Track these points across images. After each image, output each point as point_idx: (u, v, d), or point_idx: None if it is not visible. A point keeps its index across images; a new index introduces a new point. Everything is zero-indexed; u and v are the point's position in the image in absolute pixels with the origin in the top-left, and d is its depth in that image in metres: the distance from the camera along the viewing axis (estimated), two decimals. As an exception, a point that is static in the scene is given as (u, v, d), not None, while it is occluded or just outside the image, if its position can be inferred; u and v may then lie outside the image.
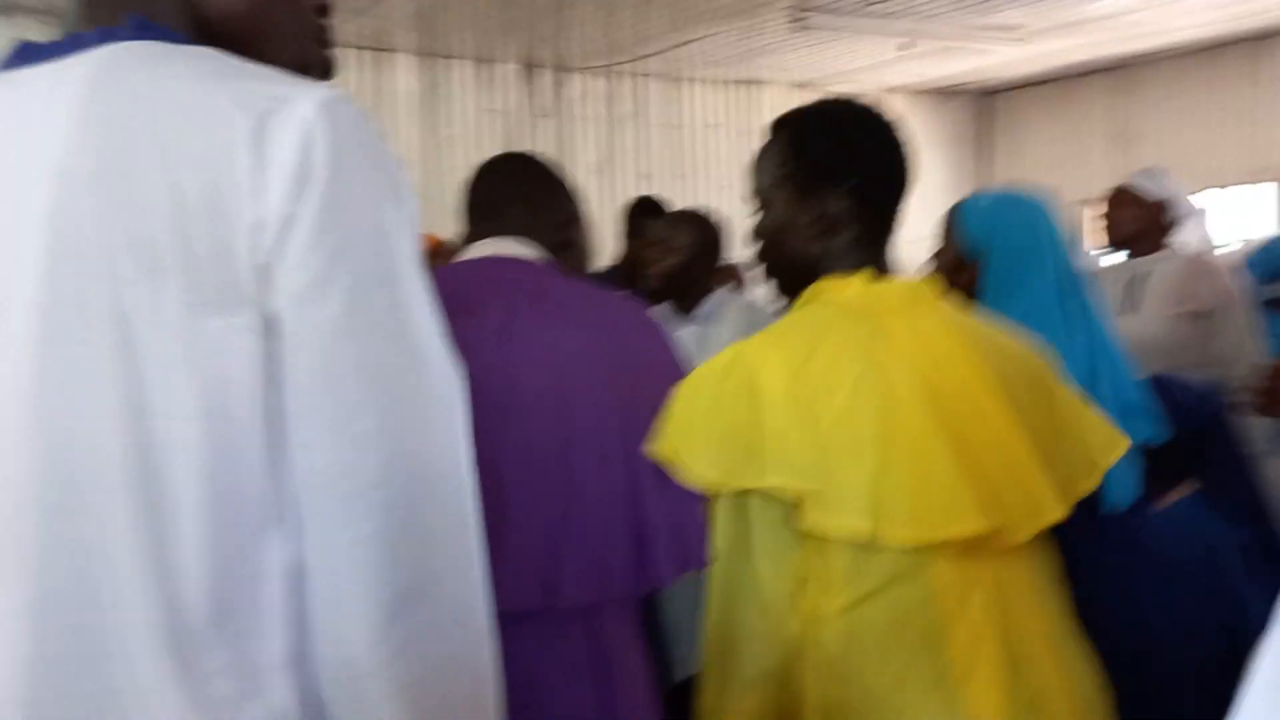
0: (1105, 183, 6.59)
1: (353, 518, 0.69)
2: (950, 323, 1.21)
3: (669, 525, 1.29)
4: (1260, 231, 5.42)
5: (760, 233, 1.30)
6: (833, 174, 1.22)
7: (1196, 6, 5.19)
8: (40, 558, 0.67)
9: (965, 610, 1.10)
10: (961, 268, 1.69)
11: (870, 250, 1.24)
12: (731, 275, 4.05)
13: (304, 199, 0.68)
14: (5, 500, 0.67)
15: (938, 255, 1.86)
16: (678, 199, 6.14)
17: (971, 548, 1.10)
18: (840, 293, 1.20)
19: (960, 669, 1.09)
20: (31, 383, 0.68)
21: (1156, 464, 1.59)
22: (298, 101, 0.69)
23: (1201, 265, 2.85)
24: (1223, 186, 6.13)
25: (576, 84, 5.86)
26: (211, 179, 0.67)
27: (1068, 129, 6.92)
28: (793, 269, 1.27)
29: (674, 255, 2.60)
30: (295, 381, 0.69)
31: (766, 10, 4.73)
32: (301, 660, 0.71)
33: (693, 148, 6.24)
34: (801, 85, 6.56)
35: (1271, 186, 6.08)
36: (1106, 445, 1.27)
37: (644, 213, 3.46)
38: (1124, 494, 1.52)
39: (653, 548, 1.28)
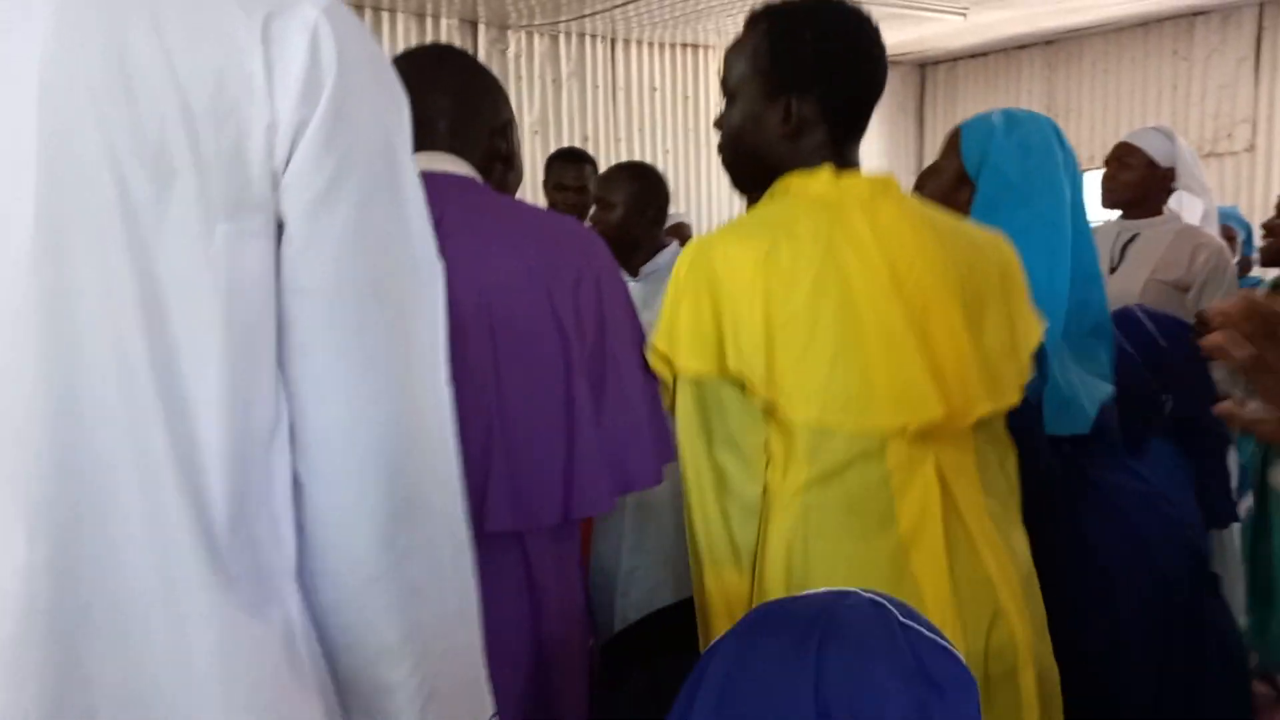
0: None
1: (355, 425, 0.69)
2: (913, 214, 1.22)
3: (607, 451, 1.28)
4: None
5: (726, 127, 1.31)
6: (804, 77, 1.21)
7: (1131, -19, 5.28)
8: (59, 465, 0.65)
9: (913, 489, 1.15)
10: (959, 187, 1.66)
11: (836, 150, 1.24)
12: (679, 233, 4.09)
13: (315, 101, 0.67)
14: (19, 415, 0.65)
15: (932, 173, 1.80)
16: (618, 160, 6.11)
17: (923, 432, 1.15)
18: (805, 187, 1.21)
19: (907, 543, 1.14)
20: (31, 298, 0.65)
21: (1130, 404, 1.62)
22: (301, 3, 0.68)
23: (1192, 236, 2.76)
24: (1151, 161, 6.28)
25: (517, 42, 5.77)
26: (220, 80, 0.66)
27: (1003, 101, 7.01)
28: (756, 165, 1.27)
29: (612, 211, 2.54)
30: (300, 288, 0.68)
31: (710, -28, 4.70)
32: (300, 570, 0.71)
33: (634, 110, 6.21)
34: (744, 50, 6.55)
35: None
36: (1030, 334, 1.29)
37: (563, 160, 3.45)
38: (1076, 419, 1.52)
39: (585, 475, 1.27)
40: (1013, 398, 1.23)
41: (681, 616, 1.37)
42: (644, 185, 2.60)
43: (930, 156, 7.24)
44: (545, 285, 1.26)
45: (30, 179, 0.64)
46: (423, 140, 1.33)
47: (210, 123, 0.65)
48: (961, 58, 7.17)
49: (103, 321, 0.65)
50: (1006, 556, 1.20)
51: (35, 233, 0.64)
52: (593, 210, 2.69)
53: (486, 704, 0.80)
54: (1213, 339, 0.81)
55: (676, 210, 5.33)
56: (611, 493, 1.28)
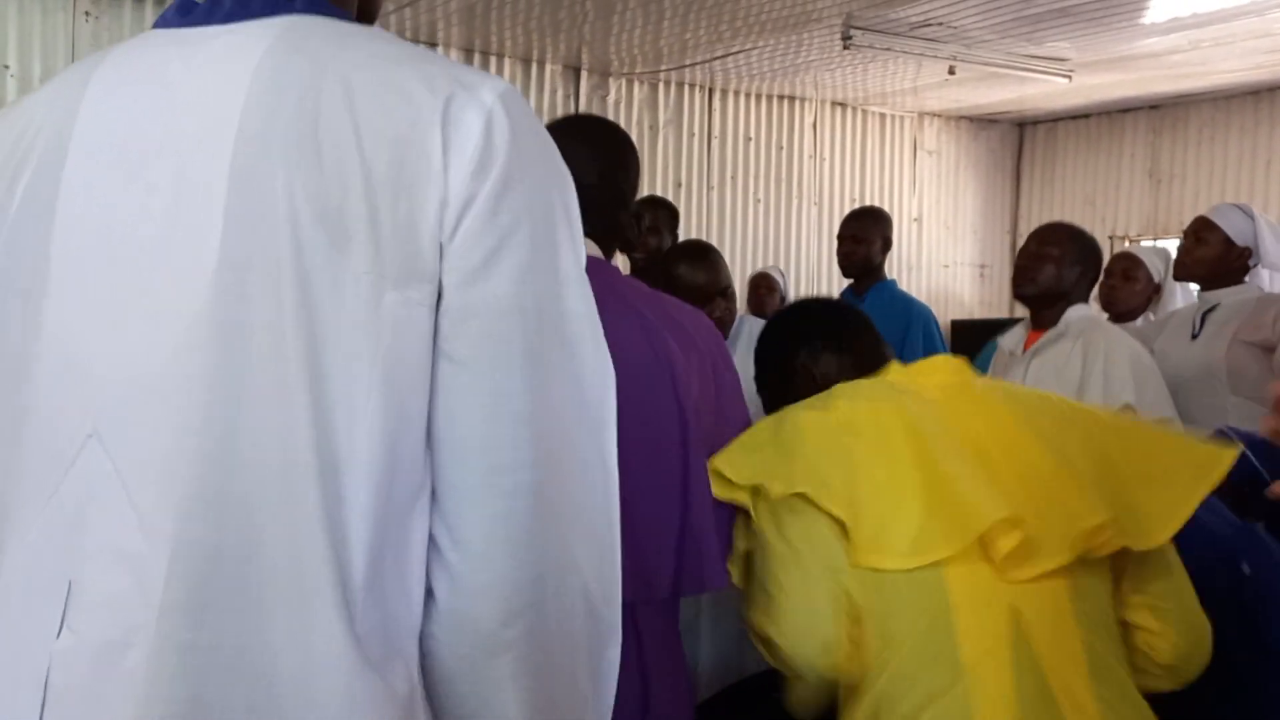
0: (1140, 220, 6.61)
1: (496, 494, 0.69)
2: (972, 383, 1.36)
3: (716, 533, 1.31)
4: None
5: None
6: (792, 357, 1.46)
7: (1245, 50, 5.17)
8: (208, 504, 0.66)
9: (981, 622, 1.17)
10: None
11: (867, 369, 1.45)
12: (764, 284, 4.15)
13: (484, 179, 0.69)
14: (178, 453, 0.67)
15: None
16: (711, 209, 6.16)
17: (993, 564, 1.18)
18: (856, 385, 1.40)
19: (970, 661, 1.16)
20: (204, 338, 0.67)
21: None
22: (479, 87, 0.72)
23: (1275, 300, 2.74)
24: (1258, 231, 6.10)
25: (618, 89, 5.88)
26: (401, 155, 0.69)
27: (1104, 164, 6.90)
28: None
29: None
30: (453, 356, 0.70)
31: (814, 26, 4.73)
32: (427, 635, 0.71)
33: (728, 159, 6.25)
34: (840, 104, 6.56)
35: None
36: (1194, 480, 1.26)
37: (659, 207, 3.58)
38: None
39: (696, 551, 1.29)
40: (1089, 519, 1.21)
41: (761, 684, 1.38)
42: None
43: (1026, 215, 7.14)
44: (669, 369, 1.30)
45: (218, 225, 0.67)
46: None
47: (389, 194, 0.68)
48: (1062, 118, 7.08)
49: (269, 374, 0.67)
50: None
51: (216, 276, 0.67)
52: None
53: None
54: (1269, 423, 0.75)
55: (767, 264, 5.37)
56: (717, 576, 1.31)
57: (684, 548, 1.29)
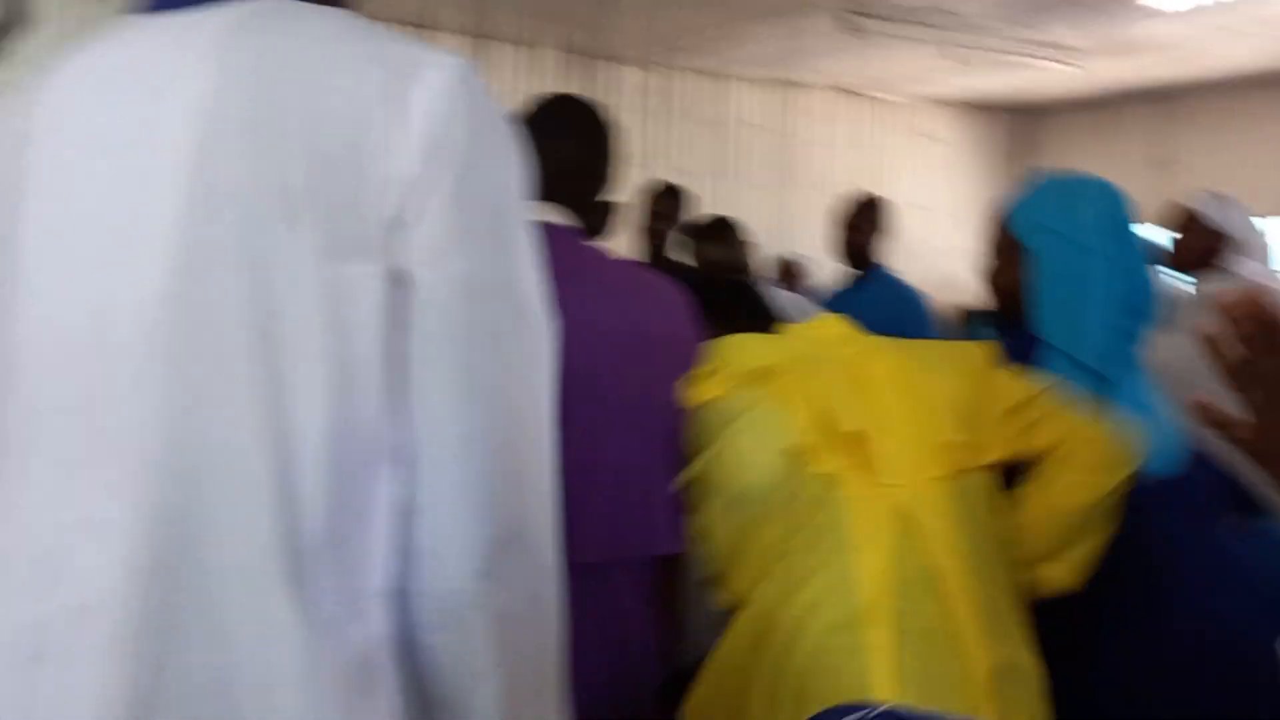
0: (1143, 206, 6.57)
1: (466, 459, 0.74)
2: (858, 335, 1.52)
3: (677, 497, 1.38)
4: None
5: None
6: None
7: (1249, 35, 5.14)
8: (171, 471, 0.70)
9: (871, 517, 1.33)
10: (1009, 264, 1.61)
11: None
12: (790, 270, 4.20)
13: (440, 163, 0.73)
14: (141, 421, 0.70)
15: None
16: (712, 196, 6.13)
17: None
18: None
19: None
20: (164, 314, 0.71)
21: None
22: (433, 66, 0.74)
23: (1251, 283, 2.80)
24: (1260, 217, 6.09)
25: (617, 75, 5.86)
26: (350, 133, 0.72)
27: (1107, 151, 6.89)
28: None
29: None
30: (422, 332, 0.73)
31: (815, 11, 4.71)
32: (396, 593, 0.75)
33: (727, 145, 6.24)
34: (843, 90, 6.54)
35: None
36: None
37: (660, 194, 3.66)
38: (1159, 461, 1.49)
39: (661, 516, 1.36)
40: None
41: None
42: None
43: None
44: (635, 338, 1.36)
45: (179, 204, 0.71)
46: (547, 190, 1.40)
47: (336, 171, 0.71)
48: (1063, 106, 7.06)
49: (225, 343, 0.70)
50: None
51: (177, 254, 0.71)
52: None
53: None
54: (1205, 329, 0.75)
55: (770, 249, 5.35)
56: (680, 536, 1.38)
57: (653, 513, 1.36)
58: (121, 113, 0.75)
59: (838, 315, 1.55)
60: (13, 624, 0.72)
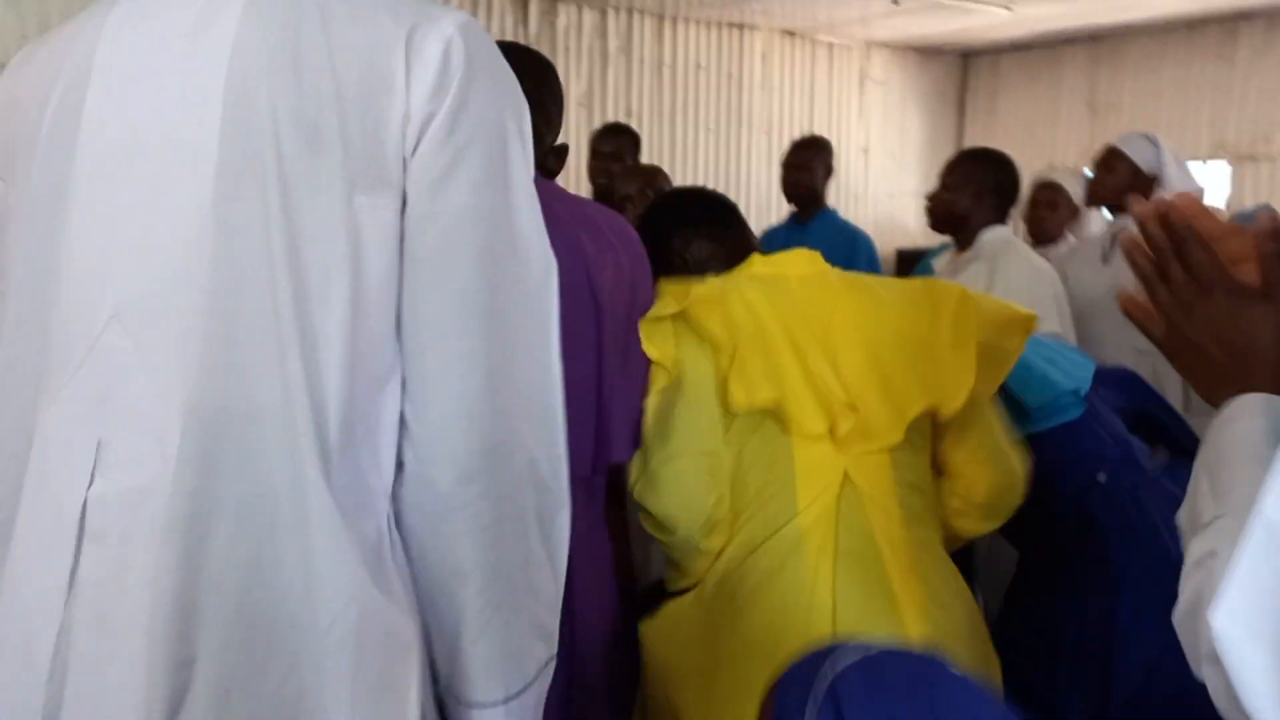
0: (1078, 148, 6.79)
1: (454, 377, 0.82)
2: (827, 273, 1.57)
3: (626, 413, 1.46)
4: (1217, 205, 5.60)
5: None
6: (667, 240, 1.61)
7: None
8: (214, 372, 0.77)
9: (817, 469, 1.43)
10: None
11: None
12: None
13: (444, 103, 0.81)
14: (186, 327, 0.78)
15: None
16: (662, 138, 6.21)
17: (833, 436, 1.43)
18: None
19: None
20: (207, 229, 0.78)
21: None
22: (441, 20, 0.82)
23: None
24: (1189, 160, 6.29)
25: (567, 15, 5.87)
26: (369, 76, 0.79)
27: (1045, 94, 7.05)
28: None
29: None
30: (416, 256, 0.81)
31: (762, -44, 4.77)
32: (394, 496, 0.84)
33: (679, 87, 6.29)
34: (790, 33, 6.61)
35: (1225, 165, 6.25)
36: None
37: (602, 132, 3.70)
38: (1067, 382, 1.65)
39: (610, 431, 1.43)
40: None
41: None
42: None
43: (969, 144, 7.29)
44: (585, 266, 1.42)
45: (215, 135, 0.78)
46: None
47: (357, 108, 0.79)
48: (1005, 49, 7.20)
49: (259, 259, 0.77)
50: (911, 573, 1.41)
51: (216, 177, 0.78)
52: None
53: (547, 647, 0.91)
54: (1123, 239, 0.85)
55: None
56: (630, 449, 1.46)
57: (600, 430, 1.42)
58: (166, 50, 0.81)
59: (807, 251, 1.61)
60: (67, 507, 0.78)
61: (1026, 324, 1.53)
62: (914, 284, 1.58)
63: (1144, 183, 3.01)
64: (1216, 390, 0.76)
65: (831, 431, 1.43)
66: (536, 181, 1.50)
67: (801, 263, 1.58)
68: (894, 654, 0.97)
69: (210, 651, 0.75)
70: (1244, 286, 0.76)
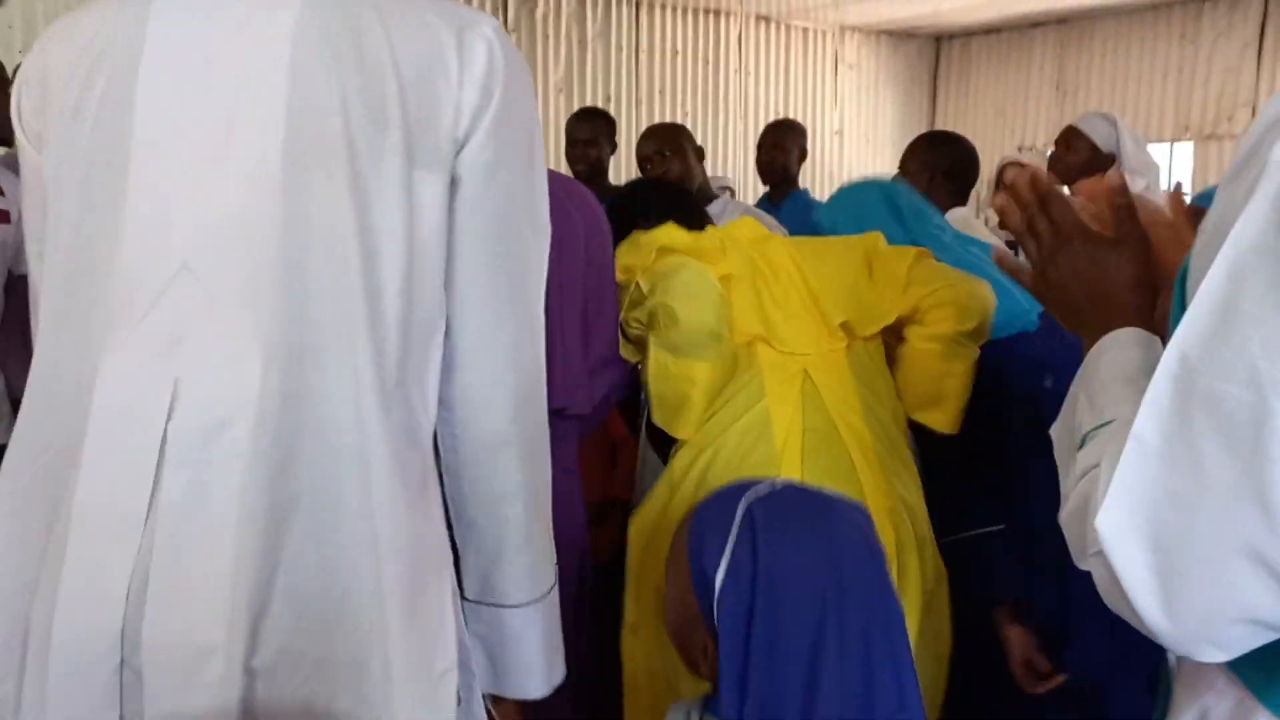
0: (1047, 129, 6.93)
1: (507, 329, 0.98)
2: (769, 235, 1.79)
3: (594, 367, 1.58)
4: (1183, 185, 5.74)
5: None
6: (632, 225, 1.76)
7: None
8: (289, 314, 0.86)
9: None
10: None
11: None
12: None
13: (493, 98, 0.93)
14: (264, 275, 0.87)
15: None
16: (640, 122, 6.30)
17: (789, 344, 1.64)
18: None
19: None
20: (279, 198, 0.86)
21: None
22: (482, 24, 0.95)
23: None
24: (1155, 141, 6.46)
25: (546, 2, 5.95)
26: (427, 66, 0.91)
27: (1015, 77, 7.19)
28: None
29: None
30: (473, 229, 0.95)
31: (736, -58, 4.87)
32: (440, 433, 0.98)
33: (656, 73, 6.39)
34: (764, 18, 6.71)
35: (1189, 145, 6.41)
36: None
37: (577, 117, 3.78)
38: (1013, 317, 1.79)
39: (566, 381, 1.52)
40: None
41: None
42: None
43: (941, 125, 7.42)
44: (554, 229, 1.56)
45: (281, 108, 0.87)
46: None
47: (415, 94, 0.90)
48: (975, 33, 7.32)
49: (329, 218, 0.87)
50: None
51: (284, 146, 0.86)
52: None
53: (553, 550, 1.08)
54: (997, 201, 0.97)
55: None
56: (589, 398, 1.58)
57: (553, 372, 1.53)
58: (224, 37, 0.88)
59: (749, 219, 1.82)
60: (145, 439, 0.84)
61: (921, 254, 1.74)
62: (840, 237, 1.80)
63: (1102, 160, 3.11)
64: (1081, 328, 0.89)
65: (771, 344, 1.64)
66: None
67: (748, 228, 1.80)
68: (798, 489, 1.13)
69: (288, 565, 0.84)
70: (1099, 235, 0.90)
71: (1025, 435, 1.70)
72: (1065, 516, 0.76)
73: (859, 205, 1.97)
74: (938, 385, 1.68)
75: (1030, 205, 0.94)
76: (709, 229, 1.79)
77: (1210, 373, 0.64)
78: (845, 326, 1.66)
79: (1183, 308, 0.68)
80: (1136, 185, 3.27)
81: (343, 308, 0.87)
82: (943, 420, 1.69)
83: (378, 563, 0.87)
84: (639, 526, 1.62)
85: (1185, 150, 6.40)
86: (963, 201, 2.72)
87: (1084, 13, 6.65)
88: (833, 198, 2.09)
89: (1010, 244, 3.49)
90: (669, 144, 3.33)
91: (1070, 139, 3.17)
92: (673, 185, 1.97)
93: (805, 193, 3.84)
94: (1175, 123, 6.43)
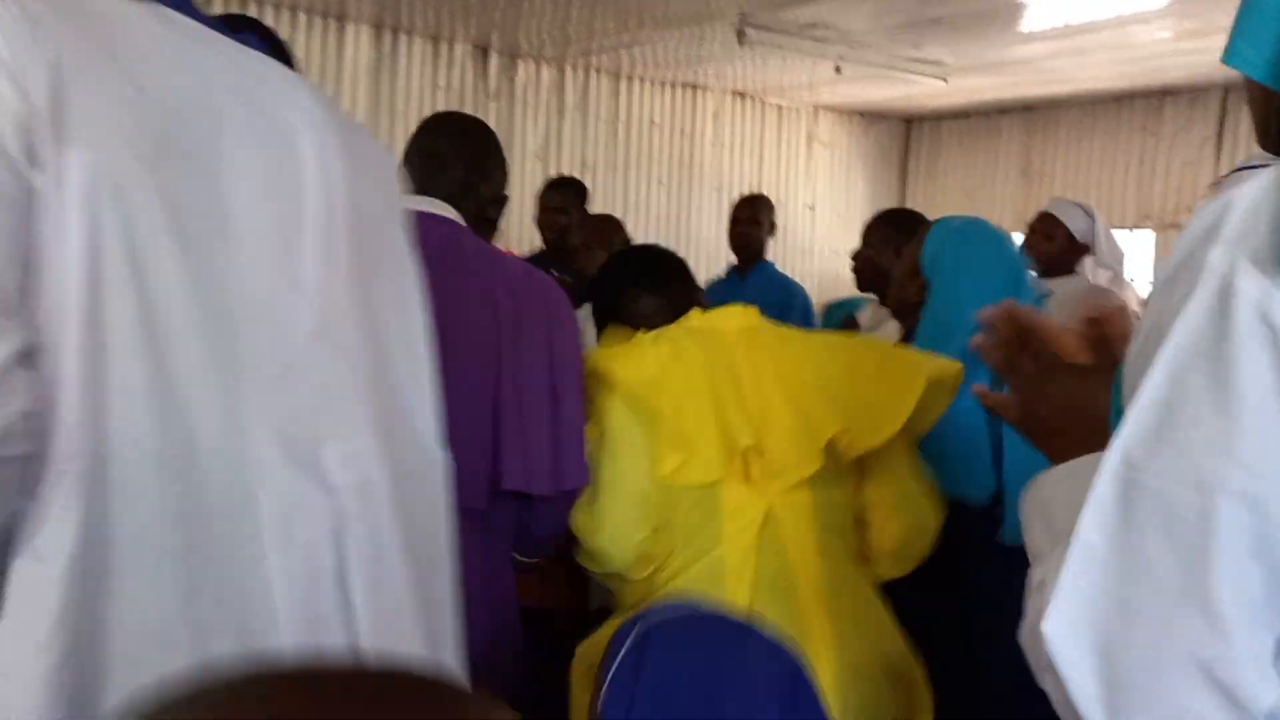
0: (1013, 212, 7.08)
1: None
2: (759, 326, 1.68)
3: (523, 451, 1.54)
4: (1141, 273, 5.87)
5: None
6: (617, 297, 1.76)
7: (1104, 60, 5.63)
8: (378, 411, 0.96)
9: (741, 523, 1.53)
10: (911, 279, 1.95)
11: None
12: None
13: None
14: (354, 374, 0.95)
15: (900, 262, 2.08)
16: (615, 191, 6.38)
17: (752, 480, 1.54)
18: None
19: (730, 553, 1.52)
20: (347, 305, 0.94)
21: None
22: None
23: (1099, 293, 3.02)
24: (1117, 228, 6.60)
25: (526, 70, 6.05)
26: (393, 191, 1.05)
27: (982, 160, 7.37)
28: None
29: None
30: None
31: (712, 21, 5.00)
32: None
33: (633, 143, 6.49)
34: (740, 94, 6.86)
35: (1150, 233, 6.57)
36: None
37: (550, 186, 3.86)
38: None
39: (507, 465, 1.53)
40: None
41: None
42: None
43: (911, 205, 7.56)
44: (492, 307, 1.54)
45: (337, 221, 0.93)
46: (438, 186, 1.63)
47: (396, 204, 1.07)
48: (945, 116, 7.52)
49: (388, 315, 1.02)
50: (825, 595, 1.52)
51: (346, 255, 0.94)
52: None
53: None
54: (975, 340, 0.98)
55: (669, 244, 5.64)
56: (544, 482, 1.55)
57: (496, 462, 1.52)
58: (263, 143, 0.87)
59: (743, 305, 1.71)
60: (311, 503, 0.86)
61: (957, 377, 1.63)
62: (841, 334, 1.71)
63: (1077, 249, 3.15)
64: (1064, 457, 0.87)
65: (747, 474, 1.54)
66: (469, 237, 1.62)
67: (736, 317, 1.69)
68: (708, 617, 1.10)
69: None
70: (1080, 364, 0.91)
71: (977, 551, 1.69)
72: (1023, 635, 0.74)
73: (986, 265, 1.84)
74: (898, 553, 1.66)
75: (1011, 342, 0.94)
76: (693, 314, 1.69)
77: (1154, 472, 0.64)
78: (832, 444, 1.57)
79: (1119, 409, 0.69)
80: (1103, 278, 3.31)
81: (410, 394, 1.03)
82: (894, 571, 1.66)
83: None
84: (583, 658, 1.57)
85: (1146, 237, 6.55)
86: None
87: (1049, 101, 6.85)
88: (953, 236, 1.89)
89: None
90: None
91: (1048, 226, 3.18)
92: (661, 255, 1.94)
93: (771, 265, 3.90)
94: (1137, 210, 6.59)
